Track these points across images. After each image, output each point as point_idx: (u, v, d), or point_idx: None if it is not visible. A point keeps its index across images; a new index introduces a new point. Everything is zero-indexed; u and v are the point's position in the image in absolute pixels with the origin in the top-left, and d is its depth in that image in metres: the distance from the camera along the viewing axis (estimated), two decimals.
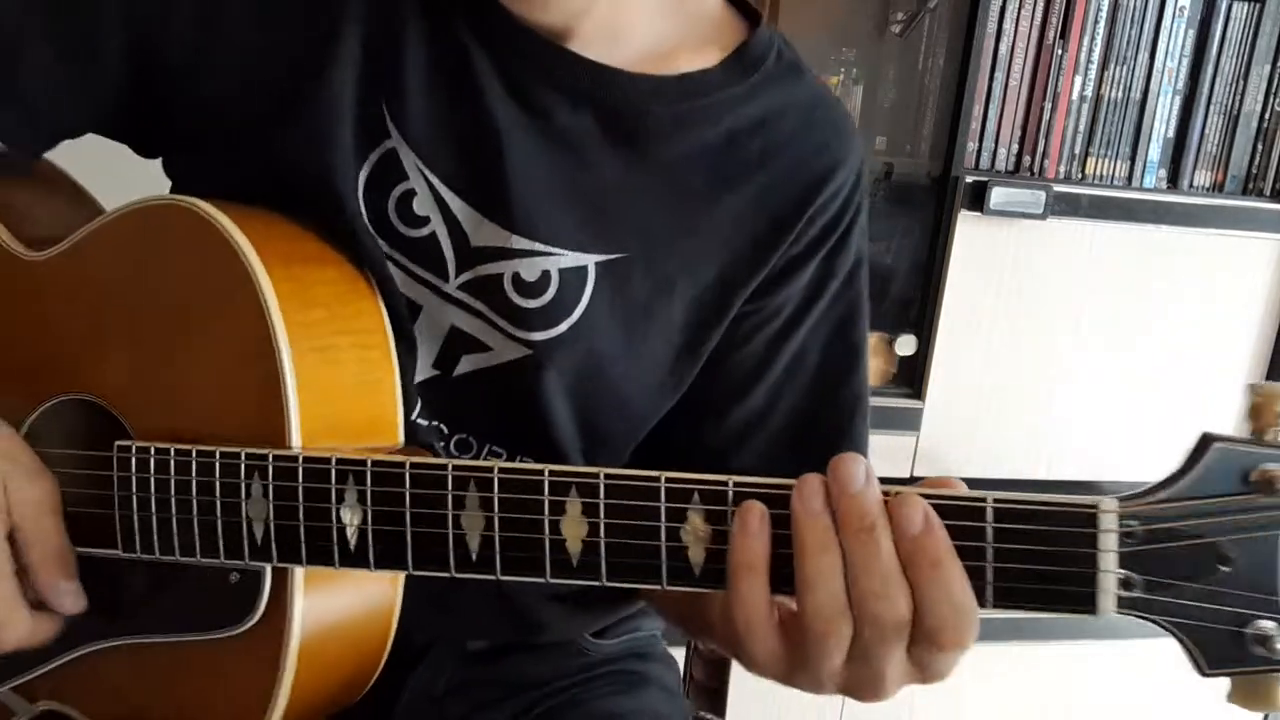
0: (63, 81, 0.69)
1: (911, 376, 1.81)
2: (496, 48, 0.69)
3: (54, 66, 0.69)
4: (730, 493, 0.52)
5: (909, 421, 1.79)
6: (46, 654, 0.65)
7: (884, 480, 0.51)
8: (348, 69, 0.67)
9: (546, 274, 0.70)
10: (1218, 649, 0.49)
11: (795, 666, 0.52)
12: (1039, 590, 0.50)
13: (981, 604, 0.50)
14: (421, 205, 0.70)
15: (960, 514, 0.50)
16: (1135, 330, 1.84)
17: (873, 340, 1.77)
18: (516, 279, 0.70)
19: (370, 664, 0.67)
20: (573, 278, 0.70)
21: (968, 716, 1.94)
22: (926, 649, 0.50)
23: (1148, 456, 1.86)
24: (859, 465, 0.50)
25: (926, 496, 0.50)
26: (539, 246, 0.69)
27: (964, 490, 0.51)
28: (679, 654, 1.04)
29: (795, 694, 0.53)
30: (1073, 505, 0.49)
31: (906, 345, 1.79)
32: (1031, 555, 0.49)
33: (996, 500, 0.50)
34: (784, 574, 0.51)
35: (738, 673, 1.11)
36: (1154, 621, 0.49)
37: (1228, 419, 1.91)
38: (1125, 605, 0.49)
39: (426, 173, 0.69)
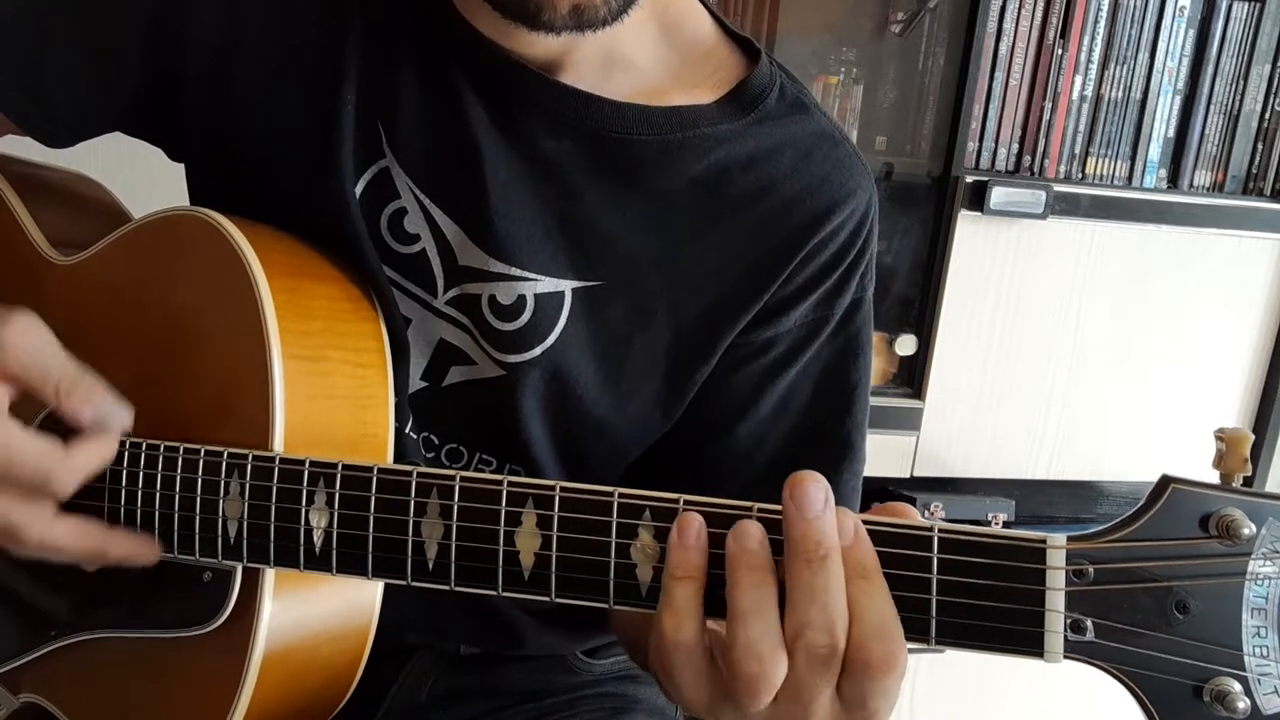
0: (86, 83, 0.72)
1: (911, 376, 1.81)
2: (482, 77, 0.69)
3: (78, 68, 0.71)
4: (680, 510, 0.51)
5: (909, 421, 1.79)
6: (26, 644, 0.68)
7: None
8: (351, 87, 0.69)
9: (522, 298, 0.70)
10: (1174, 704, 0.46)
11: (719, 698, 0.50)
12: (984, 627, 0.48)
13: (925, 639, 0.49)
14: (412, 223, 0.70)
15: (906, 543, 0.49)
16: (1135, 330, 1.83)
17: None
18: (493, 301, 0.70)
19: (342, 679, 0.68)
20: (548, 303, 0.70)
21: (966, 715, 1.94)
22: (858, 677, 0.48)
23: (1147, 456, 1.85)
24: (819, 488, 0.48)
25: (871, 523, 0.49)
26: (514, 271, 0.70)
27: (916, 519, 0.50)
28: None
29: None
30: (1021, 540, 0.48)
31: (906, 345, 1.79)
32: (977, 589, 0.48)
33: (943, 530, 0.49)
34: (718, 597, 0.50)
35: None
36: (1106, 669, 0.47)
37: (1227, 419, 1.91)
38: (1075, 649, 0.47)
39: (417, 192, 0.70)
